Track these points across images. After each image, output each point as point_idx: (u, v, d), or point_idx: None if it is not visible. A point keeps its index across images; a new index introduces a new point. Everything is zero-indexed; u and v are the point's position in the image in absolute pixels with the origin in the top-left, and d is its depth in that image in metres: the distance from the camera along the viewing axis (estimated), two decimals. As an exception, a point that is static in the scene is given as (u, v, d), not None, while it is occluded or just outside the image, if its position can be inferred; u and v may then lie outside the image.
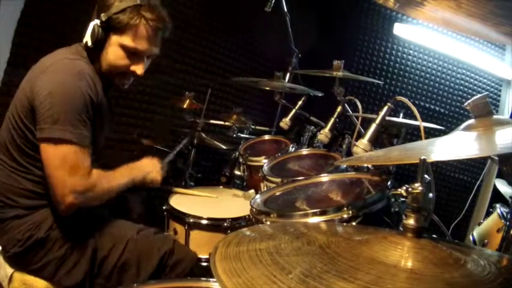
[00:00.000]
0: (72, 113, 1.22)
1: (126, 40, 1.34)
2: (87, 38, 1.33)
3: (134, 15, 1.31)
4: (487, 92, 3.09)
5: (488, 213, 1.94)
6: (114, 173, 1.39)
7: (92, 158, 1.29)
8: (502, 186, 2.36)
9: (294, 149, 2.08)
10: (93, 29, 1.32)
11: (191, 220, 1.59)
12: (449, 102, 3.39)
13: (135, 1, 1.32)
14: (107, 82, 1.43)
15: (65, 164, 1.21)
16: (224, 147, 2.44)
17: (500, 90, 3.49)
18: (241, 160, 2.10)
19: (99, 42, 1.33)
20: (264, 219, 1.19)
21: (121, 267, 1.35)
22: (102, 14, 1.31)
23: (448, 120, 3.38)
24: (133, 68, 1.39)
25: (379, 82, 3.15)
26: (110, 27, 1.32)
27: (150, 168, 1.54)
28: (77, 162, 1.23)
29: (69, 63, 1.30)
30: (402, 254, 0.62)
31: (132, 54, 1.37)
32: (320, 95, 2.26)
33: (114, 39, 1.34)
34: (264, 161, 1.89)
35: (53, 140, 1.20)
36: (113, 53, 1.35)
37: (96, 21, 1.32)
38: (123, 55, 1.36)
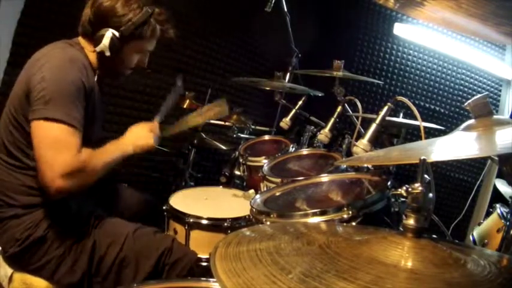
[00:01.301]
0: (64, 94, 1.23)
1: (148, 46, 1.46)
2: (104, 48, 1.35)
3: (155, 24, 1.42)
4: (487, 92, 3.10)
5: (488, 213, 1.94)
6: (102, 150, 1.34)
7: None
8: (502, 186, 2.36)
9: (294, 149, 2.08)
10: (112, 41, 1.34)
11: (191, 220, 1.59)
12: (449, 102, 3.39)
13: (147, 11, 1.38)
14: (106, 74, 1.47)
15: (56, 144, 1.20)
16: (224, 147, 2.43)
17: (500, 90, 3.49)
18: (241, 160, 2.09)
19: (117, 51, 1.38)
20: (264, 219, 1.19)
21: (119, 265, 1.34)
22: (122, 28, 1.35)
23: (448, 120, 3.38)
24: (139, 63, 1.51)
25: (379, 82, 3.15)
26: (130, 37, 1.38)
27: (137, 136, 1.48)
28: (67, 142, 1.22)
29: (62, 50, 1.32)
30: (402, 254, 0.62)
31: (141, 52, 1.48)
32: (320, 95, 2.26)
33: (135, 45, 1.42)
34: (264, 161, 1.89)
35: (44, 120, 1.20)
36: (130, 59, 1.46)
37: (113, 32, 1.34)
38: (136, 56, 1.47)
